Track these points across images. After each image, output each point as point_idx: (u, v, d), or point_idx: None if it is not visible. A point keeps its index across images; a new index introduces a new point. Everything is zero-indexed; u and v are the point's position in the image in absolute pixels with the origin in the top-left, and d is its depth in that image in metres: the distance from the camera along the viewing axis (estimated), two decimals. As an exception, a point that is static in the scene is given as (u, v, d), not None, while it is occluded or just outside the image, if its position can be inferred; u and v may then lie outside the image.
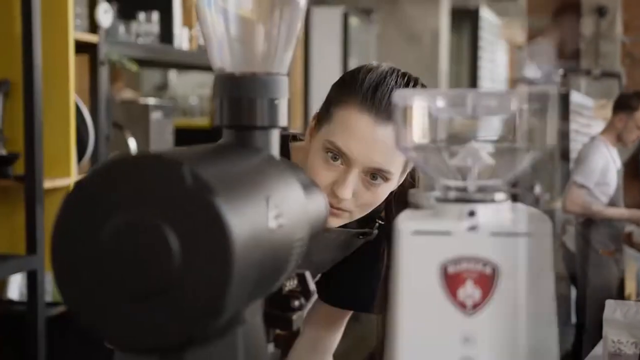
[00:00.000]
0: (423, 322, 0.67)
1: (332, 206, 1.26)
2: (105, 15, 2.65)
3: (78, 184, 0.62)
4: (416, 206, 0.76)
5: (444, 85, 5.83)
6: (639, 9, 9.74)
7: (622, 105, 4.35)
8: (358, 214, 1.30)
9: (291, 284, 0.87)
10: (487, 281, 0.66)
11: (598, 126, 5.31)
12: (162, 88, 5.85)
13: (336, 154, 1.25)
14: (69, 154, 2.45)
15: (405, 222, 0.68)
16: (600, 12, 9.34)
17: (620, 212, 4.42)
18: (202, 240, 0.59)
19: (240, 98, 0.77)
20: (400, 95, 0.69)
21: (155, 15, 3.03)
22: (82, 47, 2.62)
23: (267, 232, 0.66)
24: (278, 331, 0.91)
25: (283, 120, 0.79)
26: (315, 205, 0.81)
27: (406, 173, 1.33)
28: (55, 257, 0.62)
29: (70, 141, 2.46)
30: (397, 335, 0.68)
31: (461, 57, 7.25)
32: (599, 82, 8.41)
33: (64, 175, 2.45)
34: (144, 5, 3.03)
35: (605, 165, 4.33)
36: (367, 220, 1.40)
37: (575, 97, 6.24)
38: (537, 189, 5.65)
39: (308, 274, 0.87)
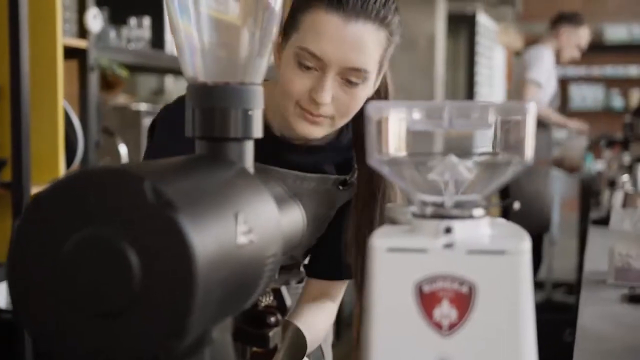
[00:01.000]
0: (398, 343, 0.65)
1: (312, 114, 1.25)
2: (95, 20, 2.62)
3: (37, 197, 0.60)
4: (393, 221, 0.74)
5: (440, 91, 5.80)
6: None
7: (568, 19, 4.44)
8: (339, 120, 1.28)
9: (267, 300, 0.84)
10: (464, 301, 0.64)
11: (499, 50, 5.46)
12: (158, 93, 5.82)
13: (309, 59, 1.22)
14: (57, 160, 2.42)
15: (380, 239, 0.66)
16: None
17: (565, 120, 4.53)
18: (163, 258, 0.57)
19: (213, 108, 0.75)
20: (374, 108, 0.67)
21: (146, 21, 3.01)
22: (72, 53, 2.59)
23: (236, 249, 0.63)
24: (254, 349, 0.88)
25: (257, 132, 0.77)
26: (289, 218, 0.79)
27: (381, 75, 1.31)
28: (11, 272, 0.60)
29: (59, 147, 2.43)
30: (371, 356, 0.65)
31: (458, 62, 7.23)
32: (495, 8, 8.45)
33: (53, 181, 2.42)
34: (135, 10, 3.01)
35: (550, 68, 4.42)
36: (344, 167, 1.40)
37: (482, 19, 6.41)
38: None
39: (284, 289, 0.85)
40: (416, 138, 0.69)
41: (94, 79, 2.65)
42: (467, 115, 0.66)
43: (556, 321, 4.29)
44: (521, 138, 0.66)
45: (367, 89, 1.27)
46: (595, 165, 5.82)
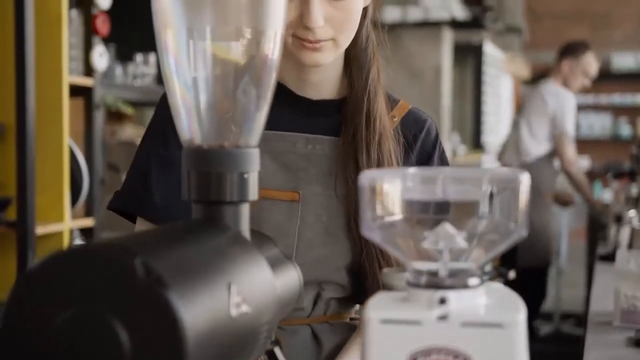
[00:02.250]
0: (391, 416, 0.64)
1: (310, 41, 1.18)
2: (101, 58, 2.64)
3: (28, 272, 0.59)
4: (389, 287, 0.73)
5: (446, 122, 5.81)
6: None
7: (569, 51, 4.45)
8: (342, 39, 1.21)
9: (261, 362, 0.83)
10: (459, 374, 0.63)
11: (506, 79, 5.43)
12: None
13: None
14: (62, 199, 2.43)
15: (374, 310, 0.65)
16: None
17: (588, 192, 4.53)
18: (153, 335, 0.56)
19: (209, 172, 0.74)
20: (367, 177, 0.67)
21: (152, 57, 3.03)
22: (78, 91, 2.61)
23: (229, 321, 0.63)
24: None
25: (253, 194, 0.76)
26: (285, 281, 0.78)
27: None
28: (1, 347, 0.59)
29: (64, 186, 2.43)
30: None
31: (465, 91, 7.24)
32: (502, 37, 8.47)
33: (57, 220, 2.43)
34: (141, 47, 3.03)
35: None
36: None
37: (488, 49, 6.40)
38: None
39: (278, 350, 0.84)
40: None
41: (99, 117, 2.67)
42: (461, 184, 0.66)
43: (564, 354, 4.26)
44: (515, 207, 0.65)
45: None
46: (603, 195, 5.81)
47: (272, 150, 1.26)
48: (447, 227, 0.67)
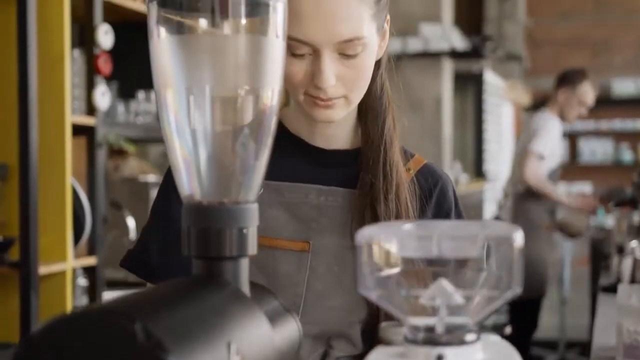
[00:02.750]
0: None
1: (322, 99, 1.17)
2: (103, 97, 2.66)
3: (28, 339, 0.60)
4: (387, 341, 0.74)
5: (448, 151, 5.82)
6: None
7: (565, 80, 4.46)
8: (353, 96, 1.19)
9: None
10: None
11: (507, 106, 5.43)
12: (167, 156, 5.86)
13: (298, 47, 1.13)
14: (65, 238, 2.44)
15: (372, 367, 0.66)
16: None
17: (563, 198, 4.52)
18: (154, 400, 0.57)
19: (209, 228, 0.76)
20: (363, 235, 0.68)
21: (154, 94, 3.05)
22: (80, 129, 2.63)
23: (228, 380, 0.64)
24: None
25: (253, 249, 0.77)
26: (284, 334, 0.79)
27: (386, 31, 1.23)
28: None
29: (67, 225, 2.44)
30: None
31: (466, 120, 7.27)
32: (502, 65, 8.50)
33: (60, 259, 2.44)
34: (143, 84, 3.05)
35: (556, 139, 4.43)
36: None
37: (489, 77, 6.43)
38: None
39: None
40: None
41: (101, 155, 2.68)
42: (456, 241, 0.67)
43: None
44: (510, 263, 0.66)
45: (371, 53, 1.19)
46: (606, 220, 5.81)
47: (285, 202, 1.25)
48: (444, 284, 0.68)
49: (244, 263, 0.77)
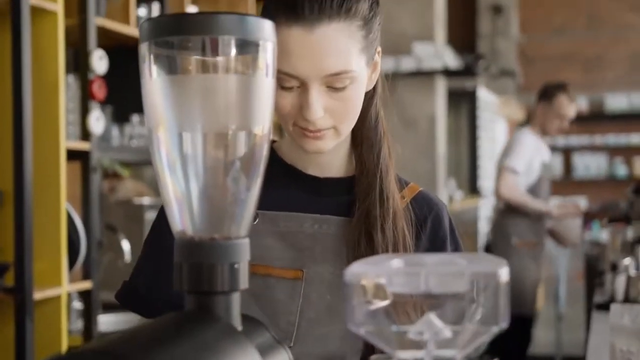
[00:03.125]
0: None
1: (310, 131, 1.18)
2: (97, 122, 2.67)
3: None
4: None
5: (442, 169, 5.85)
6: (534, 8, 9.94)
7: (543, 95, 4.50)
8: (343, 127, 1.20)
9: None
10: None
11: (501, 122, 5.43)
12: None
13: (287, 80, 1.14)
14: (59, 263, 2.45)
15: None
16: (496, 10, 9.54)
17: (547, 207, 4.49)
18: None
19: (201, 264, 0.77)
20: (352, 271, 0.69)
21: (148, 118, 3.06)
22: (75, 154, 2.64)
23: (220, 417, 0.65)
24: None
25: (244, 283, 0.79)
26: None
27: (377, 63, 1.24)
28: None
29: (61, 250, 2.45)
30: None
31: (460, 137, 7.30)
32: (496, 81, 8.53)
33: (55, 284, 2.44)
34: (137, 107, 3.06)
35: (532, 154, 4.43)
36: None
37: (482, 94, 6.45)
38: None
39: None
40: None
41: (96, 179, 2.69)
42: (443, 277, 0.68)
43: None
44: (497, 298, 0.68)
45: (360, 85, 1.19)
46: (601, 235, 5.82)
47: (280, 231, 1.26)
48: (432, 318, 0.69)
49: (236, 297, 0.78)
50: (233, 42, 0.77)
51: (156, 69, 0.79)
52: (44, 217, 2.43)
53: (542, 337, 5.87)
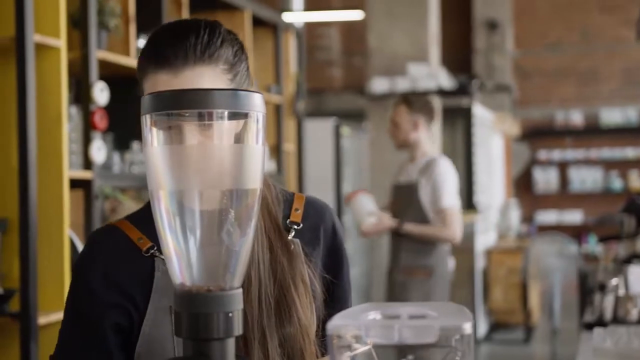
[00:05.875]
0: None
1: None
2: (99, 152, 2.76)
3: None
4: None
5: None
6: (529, 24, 10.05)
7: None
8: None
9: None
10: None
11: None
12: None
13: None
14: (63, 289, 2.53)
15: None
16: (491, 26, 9.63)
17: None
18: None
19: (198, 314, 0.86)
20: (332, 325, 0.78)
21: (148, 144, 3.15)
22: (77, 183, 2.73)
23: None
24: None
25: (238, 329, 0.87)
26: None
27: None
28: None
29: (65, 276, 2.53)
30: None
31: (456, 154, 7.36)
32: (492, 96, 8.58)
33: (59, 309, 2.52)
34: (137, 135, 3.15)
35: None
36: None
37: (478, 110, 6.51)
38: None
39: None
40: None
41: (98, 207, 2.78)
42: (415, 330, 0.77)
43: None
44: (463, 349, 0.76)
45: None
46: (597, 248, 5.89)
47: None
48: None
49: (231, 343, 0.87)
50: (226, 115, 0.87)
51: (157, 138, 0.88)
52: (47, 244, 2.52)
53: (537, 351, 5.95)
